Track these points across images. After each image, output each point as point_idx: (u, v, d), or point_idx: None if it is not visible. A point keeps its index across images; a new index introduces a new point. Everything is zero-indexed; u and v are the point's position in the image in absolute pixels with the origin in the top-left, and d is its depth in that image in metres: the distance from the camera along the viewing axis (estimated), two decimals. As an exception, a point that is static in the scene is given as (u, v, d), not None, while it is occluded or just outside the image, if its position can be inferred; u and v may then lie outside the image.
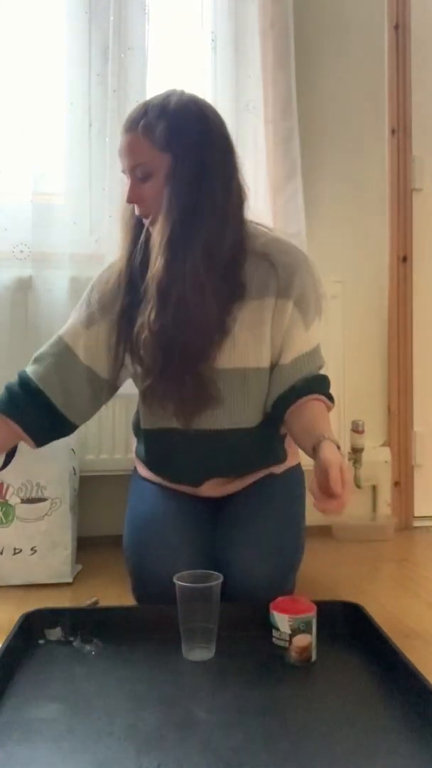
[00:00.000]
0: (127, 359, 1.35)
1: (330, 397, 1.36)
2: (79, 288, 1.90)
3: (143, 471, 1.51)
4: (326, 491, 1.09)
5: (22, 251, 1.88)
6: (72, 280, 1.90)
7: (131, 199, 1.28)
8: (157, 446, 1.43)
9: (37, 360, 1.40)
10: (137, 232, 1.32)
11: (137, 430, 1.49)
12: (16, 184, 1.89)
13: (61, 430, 1.41)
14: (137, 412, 1.49)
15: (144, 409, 1.41)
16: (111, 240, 1.86)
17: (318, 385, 1.35)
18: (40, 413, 1.36)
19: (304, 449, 1.30)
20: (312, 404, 1.32)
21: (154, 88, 1.92)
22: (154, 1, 1.92)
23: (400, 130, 2.18)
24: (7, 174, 1.91)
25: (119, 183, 1.87)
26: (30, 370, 1.39)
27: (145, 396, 1.37)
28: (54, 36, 1.90)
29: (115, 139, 1.86)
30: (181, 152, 1.23)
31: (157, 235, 1.25)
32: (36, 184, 1.88)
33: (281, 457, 1.47)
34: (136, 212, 1.30)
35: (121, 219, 1.37)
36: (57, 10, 1.90)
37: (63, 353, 1.38)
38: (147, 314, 1.26)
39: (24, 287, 1.89)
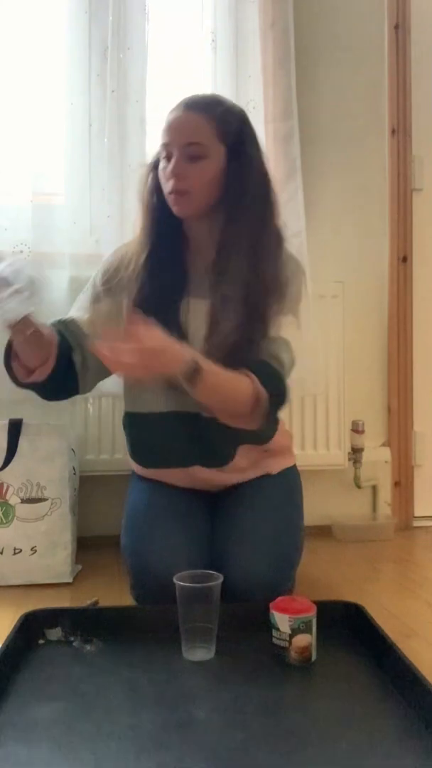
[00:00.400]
0: None
1: (266, 385, 1.22)
2: (79, 288, 1.89)
3: (139, 469, 1.50)
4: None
5: (22, 251, 1.88)
6: (72, 280, 1.90)
7: (177, 172, 1.29)
8: (140, 431, 1.44)
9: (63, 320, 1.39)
10: (158, 217, 1.35)
11: (124, 420, 1.49)
12: (16, 184, 1.89)
13: (65, 385, 1.36)
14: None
15: (131, 392, 1.43)
16: (111, 240, 1.86)
17: (254, 367, 1.24)
18: (75, 360, 1.34)
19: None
20: (238, 373, 1.22)
21: (153, 88, 1.92)
22: (154, 1, 1.92)
23: (400, 130, 2.18)
24: (7, 174, 1.91)
25: (119, 183, 1.88)
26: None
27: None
28: (54, 36, 1.90)
29: (114, 138, 1.86)
30: (243, 154, 1.31)
31: (208, 226, 1.31)
32: (36, 184, 1.88)
33: (266, 434, 1.44)
34: (170, 187, 1.30)
35: (140, 200, 1.38)
36: (57, 10, 1.90)
37: (72, 323, 1.39)
38: (191, 310, 1.30)
39: (24, 287, 1.89)
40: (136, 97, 1.89)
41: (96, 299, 1.41)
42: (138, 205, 1.39)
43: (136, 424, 1.44)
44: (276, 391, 1.23)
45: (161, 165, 1.34)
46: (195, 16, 1.97)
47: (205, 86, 1.94)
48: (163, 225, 1.35)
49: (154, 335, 1.11)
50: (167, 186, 1.31)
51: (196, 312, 1.35)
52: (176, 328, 1.31)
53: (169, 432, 1.39)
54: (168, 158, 1.31)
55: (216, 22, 1.95)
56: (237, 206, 1.30)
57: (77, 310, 1.43)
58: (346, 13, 2.14)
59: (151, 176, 1.36)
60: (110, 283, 1.40)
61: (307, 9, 2.07)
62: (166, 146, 1.31)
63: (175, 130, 1.30)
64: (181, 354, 1.12)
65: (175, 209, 1.32)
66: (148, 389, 1.36)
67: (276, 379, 1.25)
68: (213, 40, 1.95)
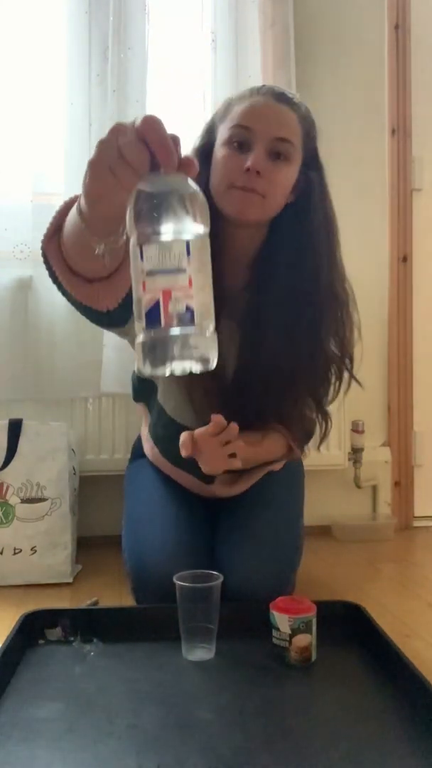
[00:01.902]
0: None
1: (302, 442, 1.34)
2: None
3: (151, 452, 1.47)
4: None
5: (22, 251, 1.88)
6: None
7: (262, 169, 1.12)
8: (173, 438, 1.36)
9: None
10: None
11: (141, 396, 1.44)
12: (16, 184, 1.89)
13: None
14: (137, 381, 1.44)
15: (186, 404, 1.31)
16: (111, 240, 1.86)
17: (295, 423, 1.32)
18: None
19: None
20: (275, 437, 1.30)
21: (154, 88, 1.92)
22: (154, 1, 1.92)
23: (400, 130, 2.18)
24: (7, 174, 1.91)
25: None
26: None
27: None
28: (54, 36, 1.90)
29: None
30: (313, 163, 1.21)
31: (251, 238, 1.19)
32: (36, 184, 1.88)
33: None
34: (247, 182, 1.13)
35: None
36: (57, 10, 1.90)
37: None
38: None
39: (24, 287, 1.89)
40: (136, 97, 1.89)
41: None
42: None
43: (169, 428, 1.36)
44: (309, 437, 1.35)
45: (224, 152, 1.16)
46: (195, 16, 1.98)
47: (205, 86, 1.95)
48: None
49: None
50: (237, 178, 1.14)
51: (224, 336, 1.28)
52: None
53: None
54: (241, 146, 1.14)
55: (216, 22, 1.95)
56: (292, 226, 1.20)
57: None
58: (346, 13, 2.14)
59: (199, 153, 1.20)
60: None
61: (307, 9, 2.08)
62: (243, 131, 1.13)
63: (265, 118, 1.13)
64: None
65: (238, 207, 1.15)
66: (188, 403, 1.29)
67: (311, 433, 1.34)
68: (213, 40, 1.95)
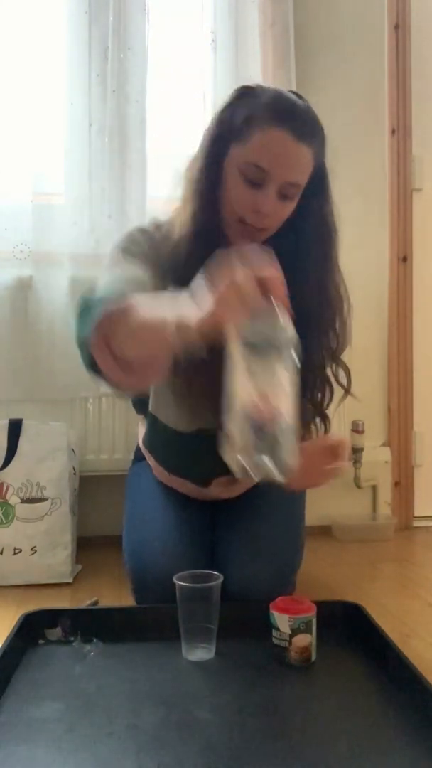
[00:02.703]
0: None
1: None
2: (80, 288, 1.90)
3: (154, 465, 1.47)
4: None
5: (22, 251, 1.88)
6: (72, 280, 1.90)
7: (270, 212, 1.13)
8: (166, 442, 1.38)
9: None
10: (216, 209, 1.17)
11: (140, 408, 1.44)
12: (16, 184, 1.89)
13: None
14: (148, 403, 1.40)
15: (180, 409, 1.29)
16: (111, 240, 1.86)
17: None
18: None
19: None
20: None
21: (154, 88, 1.92)
22: (154, 1, 1.92)
23: (400, 130, 2.18)
24: (7, 174, 1.91)
25: (119, 183, 1.88)
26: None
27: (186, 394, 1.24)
28: (54, 36, 1.90)
29: (115, 138, 1.86)
30: (319, 182, 1.20)
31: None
32: (36, 184, 1.88)
33: None
34: (254, 221, 1.14)
35: (194, 186, 1.18)
36: (57, 10, 1.90)
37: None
38: None
39: (24, 287, 1.90)
40: (136, 97, 1.89)
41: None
42: (191, 191, 1.18)
43: (162, 435, 1.36)
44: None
45: (237, 183, 1.14)
46: (195, 16, 1.98)
47: (205, 86, 1.95)
48: (206, 234, 1.17)
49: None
50: (246, 215, 1.15)
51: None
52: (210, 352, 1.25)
53: (194, 450, 1.32)
54: (254, 183, 1.13)
55: (216, 22, 1.95)
56: (295, 237, 1.20)
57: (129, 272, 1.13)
58: (346, 13, 2.14)
59: (205, 175, 1.16)
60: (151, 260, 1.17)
61: (307, 9, 2.07)
62: (259, 172, 1.12)
63: (284, 163, 1.12)
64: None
65: (241, 239, 1.16)
66: (183, 407, 1.27)
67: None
68: (213, 41, 1.95)
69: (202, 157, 1.18)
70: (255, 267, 0.82)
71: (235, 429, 0.79)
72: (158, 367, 0.89)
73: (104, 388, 0.98)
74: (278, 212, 1.16)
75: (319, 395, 1.31)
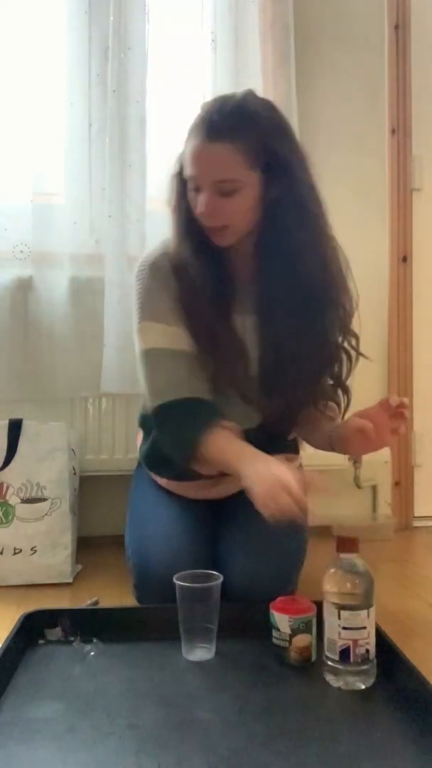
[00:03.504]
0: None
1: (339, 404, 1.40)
2: (80, 288, 1.91)
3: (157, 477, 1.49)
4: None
5: (22, 251, 1.88)
6: (72, 280, 1.90)
7: (209, 212, 1.18)
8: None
9: (160, 392, 1.27)
10: (195, 231, 1.24)
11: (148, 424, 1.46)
12: (16, 184, 1.89)
13: None
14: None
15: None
16: (111, 240, 1.86)
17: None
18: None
19: (317, 445, 1.41)
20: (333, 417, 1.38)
21: (154, 88, 1.92)
22: (154, 1, 1.92)
23: (400, 130, 2.18)
24: (7, 174, 1.91)
25: (119, 183, 1.88)
26: (174, 394, 1.25)
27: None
28: (54, 36, 1.90)
29: (115, 138, 1.86)
30: (279, 171, 1.18)
31: (257, 264, 1.22)
32: (36, 184, 1.88)
33: (297, 449, 1.49)
34: (207, 223, 1.20)
35: (173, 214, 1.27)
36: (57, 10, 1.90)
37: (170, 358, 1.26)
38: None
39: (24, 287, 1.89)
40: (136, 97, 1.88)
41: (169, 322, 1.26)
42: (172, 218, 1.27)
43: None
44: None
45: (190, 193, 1.22)
46: (195, 16, 1.98)
47: (205, 86, 1.94)
48: (198, 240, 1.24)
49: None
50: (201, 219, 1.20)
51: (246, 328, 1.30)
52: (233, 345, 1.27)
53: None
54: (196, 191, 1.20)
55: (216, 22, 1.95)
56: (277, 221, 1.21)
57: (168, 339, 1.26)
58: (346, 13, 2.14)
59: (176, 191, 1.25)
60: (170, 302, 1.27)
61: (307, 9, 2.07)
62: (192, 179, 1.19)
63: (203, 164, 1.17)
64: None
65: (214, 241, 1.23)
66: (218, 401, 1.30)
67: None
68: (213, 40, 1.95)
69: (171, 187, 1.27)
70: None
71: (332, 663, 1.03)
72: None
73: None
74: (225, 209, 1.18)
75: (337, 368, 1.34)
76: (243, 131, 1.17)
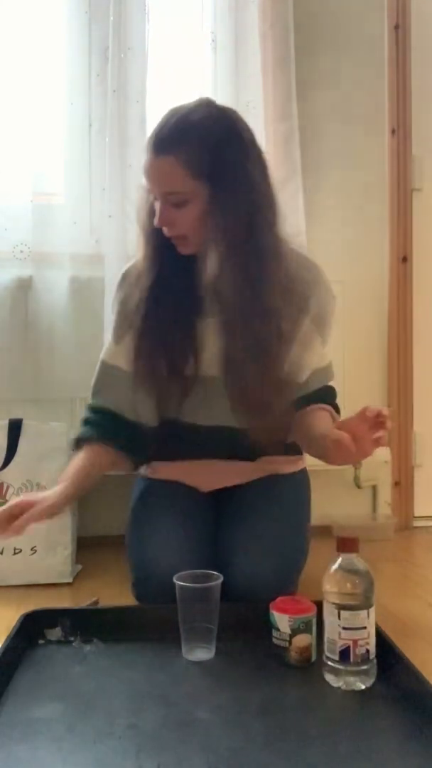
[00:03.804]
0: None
1: (336, 407, 1.41)
2: (80, 288, 1.91)
3: (151, 472, 1.50)
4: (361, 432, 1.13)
5: (22, 251, 1.88)
6: (72, 280, 1.90)
7: (162, 223, 1.24)
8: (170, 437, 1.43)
9: (96, 391, 1.42)
10: (159, 242, 1.29)
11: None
12: (16, 184, 1.89)
13: (148, 441, 1.42)
14: None
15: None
16: (111, 240, 1.86)
17: (325, 395, 1.40)
18: (128, 433, 1.37)
19: (309, 452, 1.37)
20: (316, 413, 1.36)
21: (154, 88, 1.92)
22: (154, 1, 1.92)
23: (400, 130, 2.18)
24: (7, 174, 1.91)
25: (119, 183, 1.88)
26: (98, 401, 1.41)
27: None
28: (54, 36, 1.90)
29: (115, 138, 1.86)
30: (224, 180, 1.20)
31: (218, 273, 1.23)
32: (36, 184, 1.88)
33: (290, 450, 1.47)
34: (166, 233, 1.26)
35: (139, 227, 1.33)
36: (57, 10, 1.90)
37: (111, 373, 1.40)
38: (208, 351, 1.29)
39: (24, 287, 1.90)
40: (136, 97, 1.88)
41: (119, 336, 1.39)
42: (138, 229, 1.34)
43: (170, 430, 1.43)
44: (338, 411, 1.41)
45: (155, 204, 1.28)
46: (195, 16, 1.98)
47: (205, 86, 1.94)
48: (165, 249, 1.29)
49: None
50: (163, 230, 1.27)
51: (207, 330, 1.33)
52: (191, 349, 1.32)
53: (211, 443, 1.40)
54: (156, 199, 1.26)
55: (216, 22, 1.95)
56: (227, 231, 1.22)
57: (110, 356, 1.41)
58: (346, 13, 2.14)
59: (146, 198, 1.30)
60: (127, 313, 1.36)
61: (307, 9, 2.07)
62: (149, 191, 1.26)
63: (151, 179, 1.24)
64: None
65: (179, 249, 1.28)
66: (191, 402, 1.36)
67: (334, 397, 1.43)
68: (213, 41, 1.95)
69: (139, 198, 1.33)
70: None
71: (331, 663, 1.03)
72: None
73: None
74: (178, 219, 1.23)
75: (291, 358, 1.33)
76: (185, 143, 1.20)
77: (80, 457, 1.35)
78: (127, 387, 1.37)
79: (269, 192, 1.26)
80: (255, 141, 1.27)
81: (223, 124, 1.23)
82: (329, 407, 1.39)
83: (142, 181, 1.28)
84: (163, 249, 1.29)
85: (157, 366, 1.33)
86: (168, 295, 1.30)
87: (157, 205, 1.24)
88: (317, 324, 1.35)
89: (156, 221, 1.25)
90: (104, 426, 1.37)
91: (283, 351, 1.30)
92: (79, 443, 1.37)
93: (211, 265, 1.24)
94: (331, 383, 1.43)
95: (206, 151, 1.19)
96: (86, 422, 1.39)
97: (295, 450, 1.48)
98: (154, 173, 1.23)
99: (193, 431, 1.40)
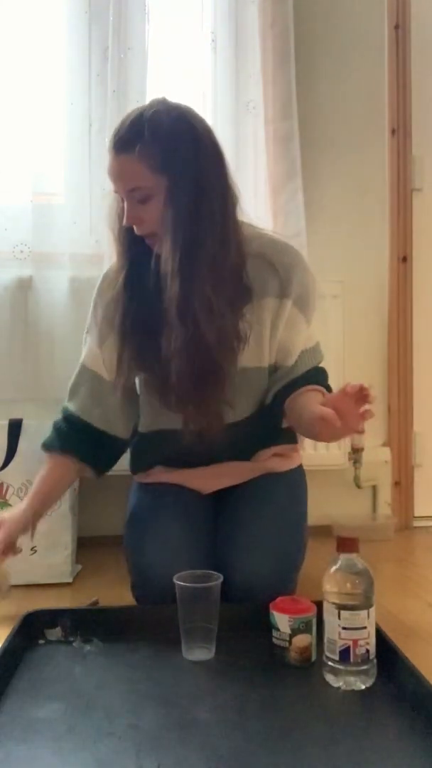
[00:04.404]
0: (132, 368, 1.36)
1: (328, 388, 1.39)
2: (80, 288, 1.91)
3: (143, 477, 1.50)
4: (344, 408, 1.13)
5: (22, 251, 1.88)
6: (72, 280, 1.90)
7: (130, 221, 1.26)
8: (159, 445, 1.44)
9: (72, 393, 1.44)
10: (129, 240, 1.31)
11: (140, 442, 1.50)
12: (16, 184, 1.89)
13: (116, 451, 1.47)
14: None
15: (148, 412, 1.43)
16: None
17: (316, 376, 1.39)
18: (92, 443, 1.41)
19: (303, 433, 1.38)
20: (309, 393, 1.35)
21: (154, 88, 1.92)
22: (154, 1, 1.92)
23: (400, 130, 2.18)
24: (7, 174, 1.91)
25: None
26: (70, 405, 1.43)
27: (155, 404, 1.37)
28: (54, 36, 1.90)
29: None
30: (178, 174, 1.22)
31: (166, 261, 1.24)
32: (36, 184, 1.88)
33: (284, 437, 1.47)
34: (137, 232, 1.27)
35: (110, 230, 1.35)
36: (57, 10, 1.90)
37: (90, 378, 1.41)
38: (170, 338, 1.26)
39: (24, 287, 1.90)
40: (136, 97, 1.88)
41: (101, 339, 1.39)
42: (109, 233, 1.36)
43: (157, 439, 1.44)
44: (330, 391, 1.38)
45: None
46: (195, 16, 1.98)
47: (205, 86, 1.94)
48: (134, 247, 1.31)
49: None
50: (134, 229, 1.28)
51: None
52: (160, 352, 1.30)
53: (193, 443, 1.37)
54: (123, 200, 1.28)
55: (216, 22, 1.95)
56: (173, 220, 1.23)
57: (91, 360, 1.42)
58: (346, 13, 2.14)
59: (116, 202, 1.32)
60: (107, 316, 1.37)
61: (307, 9, 2.07)
62: (115, 192, 1.28)
63: (114, 179, 1.26)
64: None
65: (152, 247, 1.28)
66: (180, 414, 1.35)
67: (325, 378, 1.42)
68: (213, 41, 1.95)
69: (110, 207, 1.34)
70: None
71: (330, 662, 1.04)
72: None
73: None
74: (144, 216, 1.25)
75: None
76: (140, 140, 1.21)
77: (45, 469, 1.40)
78: (102, 395, 1.40)
79: (221, 180, 1.26)
80: (209, 131, 1.28)
81: (172, 116, 1.24)
82: (321, 387, 1.37)
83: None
84: (132, 247, 1.31)
85: (140, 370, 1.36)
86: (142, 292, 1.31)
87: (125, 206, 1.26)
88: (300, 306, 1.35)
89: (125, 220, 1.26)
90: (69, 435, 1.40)
91: (224, 337, 1.28)
92: (44, 447, 1.42)
93: (164, 258, 1.25)
94: (321, 365, 1.42)
95: (158, 145, 1.21)
96: (54, 427, 1.43)
97: (288, 439, 1.47)
98: (116, 172, 1.25)
99: (175, 436, 1.37)
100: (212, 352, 1.26)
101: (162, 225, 1.23)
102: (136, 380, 1.43)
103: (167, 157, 1.21)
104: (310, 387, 1.36)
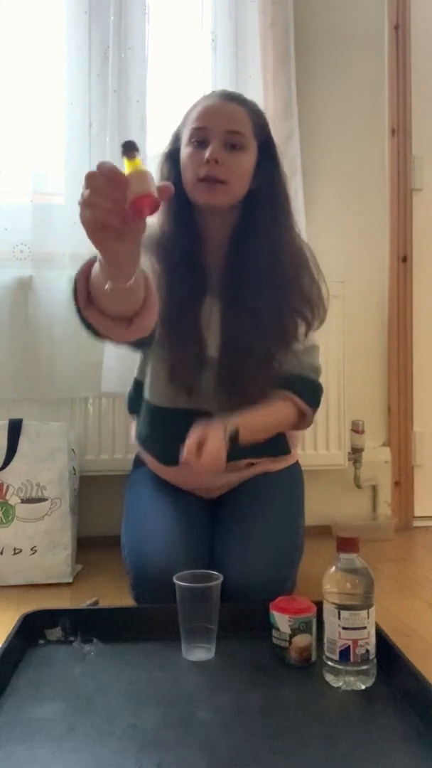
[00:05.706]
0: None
1: (311, 402, 1.38)
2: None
3: (150, 461, 1.49)
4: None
5: (22, 251, 1.88)
6: (72, 280, 1.90)
7: (217, 158, 1.24)
8: (167, 425, 1.41)
9: None
10: (175, 206, 1.29)
11: (136, 406, 1.49)
12: (16, 184, 1.89)
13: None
14: (134, 390, 1.50)
15: (164, 387, 1.39)
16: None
17: (295, 384, 1.37)
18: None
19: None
20: (280, 402, 1.35)
21: (154, 88, 1.93)
22: (154, 1, 1.92)
23: (400, 130, 2.18)
24: (7, 174, 1.91)
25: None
26: None
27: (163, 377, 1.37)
28: (54, 36, 1.90)
29: (115, 139, 1.86)
30: (270, 156, 1.31)
31: (223, 221, 1.29)
32: (36, 184, 1.88)
33: (283, 449, 1.47)
34: (207, 172, 1.25)
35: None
36: (57, 10, 1.90)
37: None
38: (217, 313, 1.29)
39: (24, 287, 1.90)
40: (136, 97, 1.89)
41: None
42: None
43: (157, 418, 1.41)
44: (317, 402, 1.38)
45: (187, 151, 1.29)
46: (195, 16, 1.98)
47: (205, 86, 1.95)
48: (180, 217, 1.31)
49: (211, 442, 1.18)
50: (200, 171, 1.26)
51: (212, 313, 1.34)
52: (195, 329, 1.33)
53: (167, 425, 1.39)
54: (200, 143, 1.27)
55: (216, 22, 1.95)
56: (258, 207, 1.30)
57: None
58: (346, 13, 2.14)
59: (166, 166, 1.33)
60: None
61: (307, 9, 2.08)
62: (200, 131, 1.27)
63: (216, 116, 1.27)
64: (221, 440, 1.19)
65: (205, 197, 1.27)
66: (171, 385, 1.36)
67: (317, 391, 1.40)
68: (213, 40, 1.95)
69: (163, 151, 1.37)
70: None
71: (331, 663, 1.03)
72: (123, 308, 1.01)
73: (109, 344, 1.14)
74: (231, 162, 1.27)
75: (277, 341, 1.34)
76: (249, 106, 1.33)
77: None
78: None
79: (288, 190, 1.38)
80: None
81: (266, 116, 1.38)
82: (294, 396, 1.35)
83: (145, 159, 1.26)
84: (178, 215, 1.31)
85: (174, 352, 1.33)
86: (180, 265, 1.30)
87: (206, 149, 1.26)
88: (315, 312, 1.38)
89: (207, 155, 1.25)
90: None
91: (282, 346, 1.32)
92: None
93: (225, 234, 1.29)
94: (308, 375, 1.40)
95: (258, 116, 1.33)
96: None
97: (282, 450, 1.47)
98: (221, 112, 1.28)
99: (156, 411, 1.39)
100: (260, 340, 1.30)
101: (238, 176, 1.27)
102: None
103: (267, 134, 1.33)
104: (285, 393, 1.36)
